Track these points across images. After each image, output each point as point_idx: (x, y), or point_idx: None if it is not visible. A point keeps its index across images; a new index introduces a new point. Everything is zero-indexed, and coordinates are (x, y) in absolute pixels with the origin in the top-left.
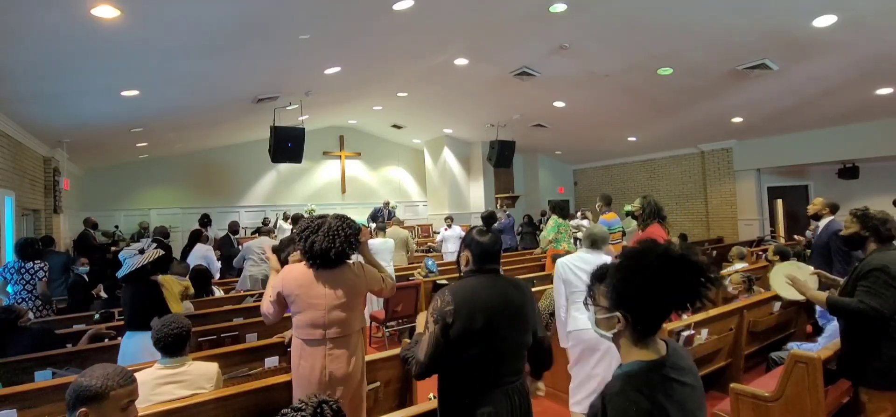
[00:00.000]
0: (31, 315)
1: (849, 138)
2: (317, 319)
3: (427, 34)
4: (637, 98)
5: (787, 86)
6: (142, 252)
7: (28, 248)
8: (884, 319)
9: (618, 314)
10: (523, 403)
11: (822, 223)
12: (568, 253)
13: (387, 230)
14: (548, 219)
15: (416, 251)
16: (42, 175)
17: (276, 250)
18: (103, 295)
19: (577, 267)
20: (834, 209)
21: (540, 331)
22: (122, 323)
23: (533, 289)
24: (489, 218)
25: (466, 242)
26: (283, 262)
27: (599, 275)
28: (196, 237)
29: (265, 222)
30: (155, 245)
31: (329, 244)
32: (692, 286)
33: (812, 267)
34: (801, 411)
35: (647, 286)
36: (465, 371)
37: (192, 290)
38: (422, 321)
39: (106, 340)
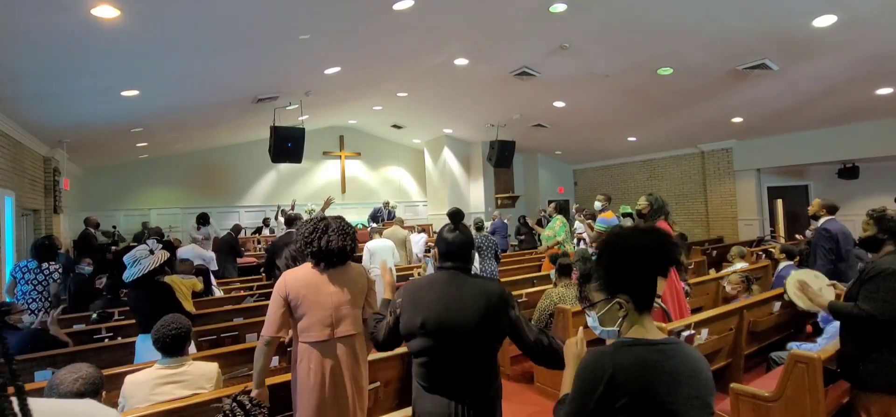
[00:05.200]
0: (25, 317)
1: (849, 138)
2: (325, 318)
3: (427, 34)
4: (637, 98)
5: (787, 86)
6: (152, 252)
7: (46, 249)
8: (879, 324)
9: (619, 299)
10: None
11: (820, 223)
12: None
13: (385, 231)
14: (551, 218)
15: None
16: (42, 175)
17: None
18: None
19: None
20: (831, 210)
21: (530, 335)
22: (121, 323)
23: (532, 289)
24: (455, 214)
25: (437, 239)
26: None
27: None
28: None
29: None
30: (161, 246)
31: (343, 241)
32: (668, 250)
33: (827, 279)
34: (801, 411)
35: (635, 260)
36: (416, 368)
37: (199, 287)
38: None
39: (103, 340)
